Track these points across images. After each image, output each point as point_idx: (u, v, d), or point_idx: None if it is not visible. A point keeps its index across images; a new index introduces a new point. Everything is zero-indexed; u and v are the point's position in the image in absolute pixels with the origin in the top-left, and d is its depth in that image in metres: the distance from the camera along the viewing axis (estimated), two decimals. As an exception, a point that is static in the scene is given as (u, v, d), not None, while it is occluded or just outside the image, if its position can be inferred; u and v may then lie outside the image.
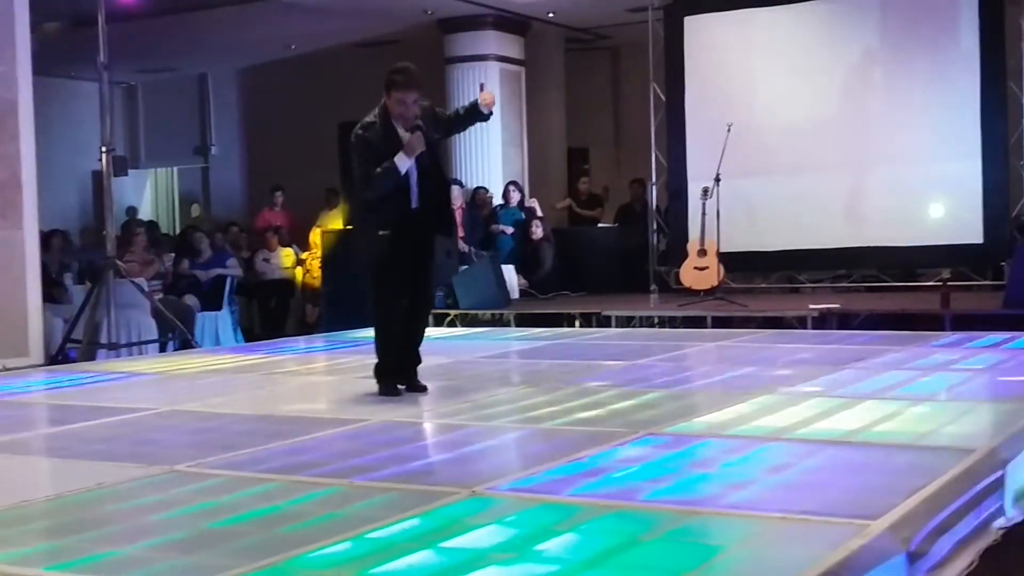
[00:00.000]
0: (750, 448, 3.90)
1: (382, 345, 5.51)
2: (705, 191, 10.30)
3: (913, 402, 4.79)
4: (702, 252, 10.54)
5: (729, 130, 10.40)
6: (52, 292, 10.18)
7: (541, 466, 3.66)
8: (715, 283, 10.42)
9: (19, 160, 8.31)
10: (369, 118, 5.36)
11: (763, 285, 11.87)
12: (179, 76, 16.90)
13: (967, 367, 5.89)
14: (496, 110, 5.86)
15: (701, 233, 10.49)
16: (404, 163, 5.26)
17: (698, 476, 3.51)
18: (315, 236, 12.64)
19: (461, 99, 13.21)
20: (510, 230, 12.38)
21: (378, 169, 5.24)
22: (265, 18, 12.98)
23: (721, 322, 9.36)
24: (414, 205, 5.36)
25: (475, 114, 5.53)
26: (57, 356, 8.62)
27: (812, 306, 9.22)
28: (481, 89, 5.61)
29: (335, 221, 13.26)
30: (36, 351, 8.32)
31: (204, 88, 17.21)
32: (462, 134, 13.17)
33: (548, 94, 14.38)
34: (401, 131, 5.30)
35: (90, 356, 8.47)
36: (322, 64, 14.93)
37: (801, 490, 3.30)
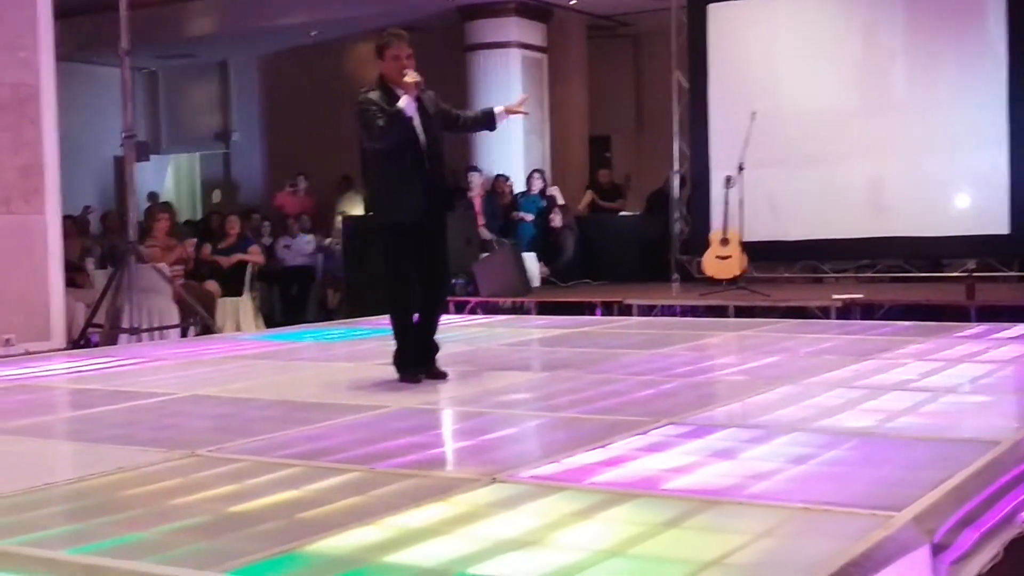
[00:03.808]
0: (772, 438, 3.87)
1: (399, 332, 5.52)
2: (728, 180, 10.24)
3: (937, 393, 4.75)
4: (725, 241, 10.48)
5: (753, 118, 10.34)
6: (74, 277, 10.22)
7: (562, 454, 3.65)
8: (738, 272, 10.37)
9: (41, 145, 8.33)
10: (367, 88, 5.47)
11: (786, 275, 11.80)
12: (200, 62, 16.93)
13: (992, 358, 5.85)
14: (518, 98, 5.98)
15: (724, 222, 10.42)
16: (408, 105, 5.27)
17: (720, 466, 3.49)
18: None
19: (482, 87, 13.20)
20: (530, 217, 12.34)
21: (383, 118, 5.27)
22: (286, 5, 12.98)
23: (743, 312, 9.33)
24: (427, 166, 5.38)
25: (487, 122, 5.77)
26: (79, 340, 8.66)
27: (835, 296, 9.17)
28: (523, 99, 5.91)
29: (354, 207, 13.25)
30: (58, 335, 8.36)
31: (225, 74, 17.24)
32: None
33: (570, 82, 14.32)
34: (400, 92, 5.33)
35: (112, 341, 8.51)
36: (343, 51, 14.92)
37: (824, 481, 3.27)
